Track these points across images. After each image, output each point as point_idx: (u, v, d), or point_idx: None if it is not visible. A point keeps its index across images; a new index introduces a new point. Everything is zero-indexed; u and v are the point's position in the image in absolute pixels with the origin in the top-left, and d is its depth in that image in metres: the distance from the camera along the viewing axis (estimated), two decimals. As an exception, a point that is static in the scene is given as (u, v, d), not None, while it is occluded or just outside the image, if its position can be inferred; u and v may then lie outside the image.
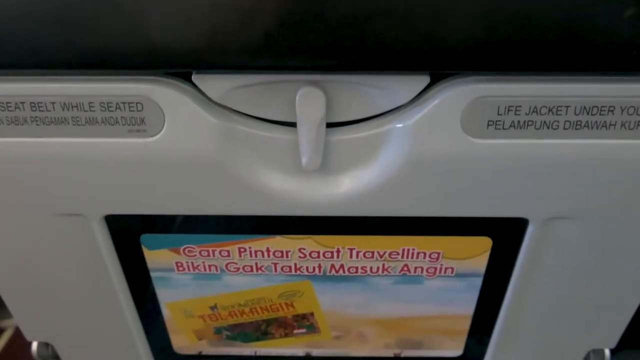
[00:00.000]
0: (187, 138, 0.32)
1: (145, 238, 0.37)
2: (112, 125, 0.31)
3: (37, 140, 0.32)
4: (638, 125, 0.31)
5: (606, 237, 0.36)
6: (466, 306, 0.42)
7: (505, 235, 0.36)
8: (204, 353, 0.47)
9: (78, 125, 0.31)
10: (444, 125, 0.31)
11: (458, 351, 0.46)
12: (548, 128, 0.31)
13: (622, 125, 0.31)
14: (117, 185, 0.34)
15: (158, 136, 0.31)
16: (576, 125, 0.31)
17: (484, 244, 0.37)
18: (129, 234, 0.37)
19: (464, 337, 0.45)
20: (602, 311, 0.42)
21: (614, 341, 0.44)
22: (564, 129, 0.31)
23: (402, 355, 0.46)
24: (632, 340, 0.53)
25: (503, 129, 0.31)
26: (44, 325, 0.45)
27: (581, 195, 0.34)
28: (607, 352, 0.45)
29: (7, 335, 1.51)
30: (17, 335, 1.51)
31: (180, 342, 0.46)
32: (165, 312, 0.44)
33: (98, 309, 0.43)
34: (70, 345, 0.46)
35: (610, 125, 0.31)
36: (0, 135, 0.32)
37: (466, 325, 0.44)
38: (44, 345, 0.47)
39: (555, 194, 0.33)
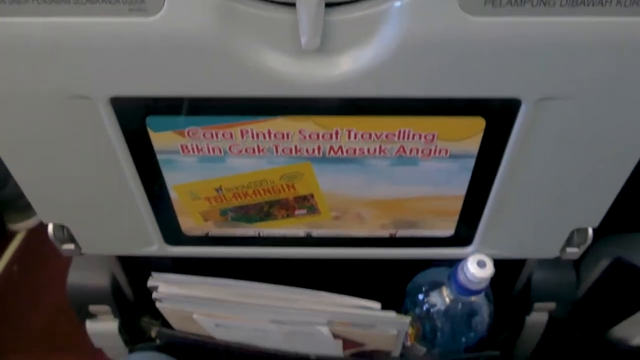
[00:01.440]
0: (187, 17, 0.32)
1: (150, 120, 0.39)
2: (112, 4, 0.32)
3: (39, 20, 0.32)
4: (633, 2, 0.31)
5: (595, 118, 0.37)
6: (458, 187, 0.44)
7: (499, 115, 0.38)
8: (210, 234, 0.50)
9: (79, 3, 0.32)
10: (442, 3, 0.31)
11: (449, 231, 0.49)
12: (545, 5, 0.31)
13: (618, 2, 0.31)
14: (120, 66, 0.34)
15: (158, 15, 0.32)
16: (572, 2, 0.31)
17: (478, 124, 0.38)
18: (135, 115, 0.38)
19: (455, 218, 0.48)
20: (587, 191, 0.44)
21: (597, 220, 0.46)
22: (560, 6, 0.31)
23: (397, 235, 0.49)
24: (620, 224, 0.56)
25: (500, 6, 0.31)
26: (58, 207, 0.47)
27: (574, 75, 0.34)
28: (590, 231, 0.48)
29: (19, 237, 1.58)
30: (30, 238, 1.57)
31: (188, 223, 0.49)
32: (173, 195, 0.46)
33: (108, 192, 0.45)
34: (84, 227, 0.49)
35: (605, 2, 0.31)
36: (1, 14, 0.32)
37: (458, 206, 0.46)
38: (59, 227, 0.49)
39: (548, 74, 0.34)
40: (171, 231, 0.50)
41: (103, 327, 0.64)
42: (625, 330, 0.64)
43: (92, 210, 0.47)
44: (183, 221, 0.49)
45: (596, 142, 0.39)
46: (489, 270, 0.48)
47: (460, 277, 0.49)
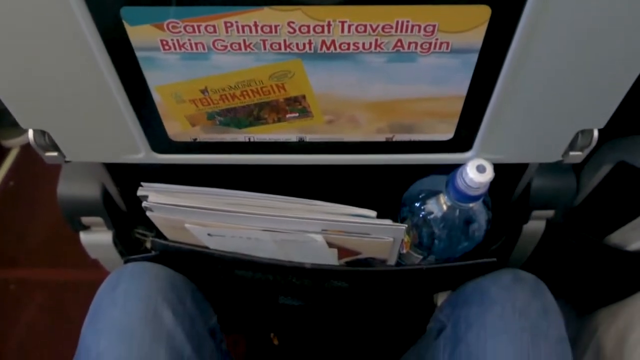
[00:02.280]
0: None
1: (126, 11, 0.35)
2: None
3: None
4: None
5: (607, 8, 0.34)
6: (459, 86, 0.41)
7: (505, 3, 0.34)
8: (198, 140, 0.48)
9: None
10: None
11: (449, 135, 0.47)
12: None
13: None
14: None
15: None
16: None
17: (483, 13, 0.35)
18: (109, 6, 0.35)
19: (455, 121, 0.45)
20: (594, 89, 0.41)
21: (603, 121, 0.44)
22: None
23: (394, 139, 0.47)
24: (624, 127, 0.54)
25: None
26: (36, 111, 0.44)
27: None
28: (595, 132, 0.46)
29: (13, 154, 1.56)
30: (24, 154, 1.55)
31: (175, 128, 0.47)
32: (156, 97, 0.43)
33: (88, 94, 0.42)
34: (65, 133, 0.47)
35: None
36: None
37: (458, 107, 0.44)
38: (39, 133, 0.47)
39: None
40: (157, 137, 0.48)
41: (97, 238, 0.63)
42: (622, 236, 0.63)
43: (72, 114, 0.45)
44: (169, 126, 0.47)
45: (607, 36, 0.36)
46: (488, 175, 0.46)
47: (459, 182, 0.48)
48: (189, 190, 0.51)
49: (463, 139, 0.47)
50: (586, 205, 0.63)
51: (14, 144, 1.57)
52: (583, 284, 0.74)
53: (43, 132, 0.47)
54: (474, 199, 0.49)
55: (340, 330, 0.82)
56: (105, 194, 0.58)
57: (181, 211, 0.50)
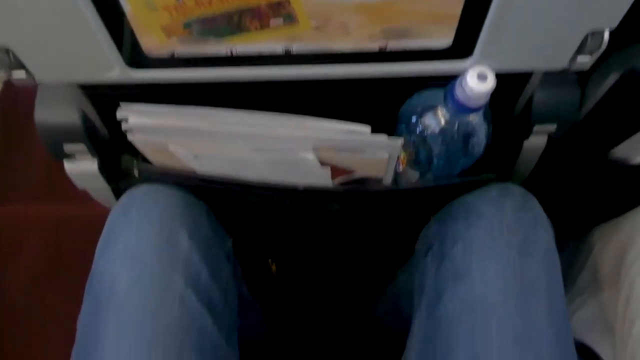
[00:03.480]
0: None
1: None
2: None
3: None
4: None
5: None
6: (460, -18, 0.38)
7: None
8: (176, 54, 0.44)
9: None
10: None
11: (447, 40, 0.43)
12: None
13: None
14: None
15: None
16: None
17: None
18: None
19: (454, 24, 0.42)
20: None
21: (615, 19, 0.41)
22: None
23: (388, 48, 0.43)
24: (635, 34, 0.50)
25: None
26: (-5, 25, 0.41)
27: None
28: (606, 34, 0.42)
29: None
30: (8, 90, 1.50)
31: (150, 41, 0.43)
32: (127, 7, 0.39)
33: (49, 2, 0.38)
34: (29, 49, 0.43)
35: None
36: None
37: (458, 8, 0.40)
38: (3, 51, 0.43)
39: None
40: (132, 52, 0.44)
41: (82, 166, 0.61)
42: (626, 150, 0.61)
43: (34, 27, 0.41)
44: (143, 39, 0.43)
45: None
46: (489, 84, 0.43)
47: (458, 92, 0.45)
48: (171, 110, 0.48)
49: (463, 44, 0.44)
50: (590, 118, 0.60)
51: (-2, 77, 1.51)
52: (584, 201, 0.72)
53: (6, 50, 0.43)
54: (474, 110, 0.46)
55: (337, 254, 0.81)
56: (86, 119, 0.55)
57: (164, 132, 0.47)
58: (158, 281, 0.49)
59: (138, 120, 0.48)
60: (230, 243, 0.63)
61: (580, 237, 0.71)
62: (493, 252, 0.50)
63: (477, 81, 0.43)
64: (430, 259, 0.57)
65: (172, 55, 0.44)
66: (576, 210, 0.74)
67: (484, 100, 0.45)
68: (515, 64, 0.45)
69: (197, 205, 0.57)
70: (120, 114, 0.48)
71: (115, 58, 0.44)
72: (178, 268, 0.50)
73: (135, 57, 0.44)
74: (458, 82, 0.45)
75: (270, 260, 1.01)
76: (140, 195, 0.54)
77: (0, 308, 1.15)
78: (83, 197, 0.68)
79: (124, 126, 0.48)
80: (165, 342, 0.47)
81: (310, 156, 0.47)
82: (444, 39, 0.43)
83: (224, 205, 0.61)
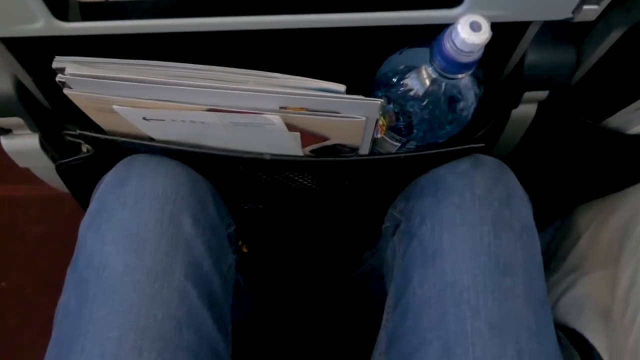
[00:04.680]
0: None
1: None
2: None
3: None
4: None
5: None
6: None
7: None
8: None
9: None
10: None
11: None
12: None
13: None
14: None
15: None
16: None
17: None
18: None
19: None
20: None
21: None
22: None
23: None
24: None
25: None
26: None
27: None
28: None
29: None
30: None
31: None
32: None
33: None
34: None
35: None
36: None
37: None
38: None
39: None
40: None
41: (21, 143, 0.53)
42: (622, 118, 0.56)
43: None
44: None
45: None
46: (484, 35, 0.37)
47: (447, 46, 0.39)
48: (115, 61, 0.41)
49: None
50: (583, 84, 0.55)
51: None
52: (574, 175, 0.68)
53: None
54: (465, 67, 0.40)
55: (309, 232, 0.75)
56: (20, 87, 0.48)
57: (105, 85, 0.40)
58: (156, 270, 0.43)
59: (76, 70, 0.40)
60: (233, 228, 0.57)
61: (568, 214, 0.67)
62: (464, 230, 0.45)
63: (469, 31, 0.37)
64: (398, 240, 0.52)
65: (106, 1, 0.37)
66: (566, 185, 0.69)
67: (476, 56, 0.39)
68: (512, 13, 0.40)
69: (202, 183, 0.50)
70: (56, 63, 0.41)
71: (39, 6, 0.36)
72: (179, 256, 0.44)
73: (63, 4, 0.37)
74: (447, 34, 0.39)
75: (240, 242, 0.96)
76: (139, 167, 0.47)
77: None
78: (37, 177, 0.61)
79: (58, 77, 0.41)
80: (159, 338, 0.41)
81: (277, 119, 0.41)
82: (432, -19, 0.37)
83: (223, 182, 0.54)
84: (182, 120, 0.43)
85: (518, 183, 0.50)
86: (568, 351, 0.54)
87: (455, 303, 0.43)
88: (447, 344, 0.42)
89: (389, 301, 0.51)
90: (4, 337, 1.00)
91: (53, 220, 1.11)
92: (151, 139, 0.48)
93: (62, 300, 0.45)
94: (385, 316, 0.51)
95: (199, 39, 0.41)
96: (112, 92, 0.41)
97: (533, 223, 0.48)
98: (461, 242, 0.45)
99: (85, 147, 0.58)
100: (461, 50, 0.38)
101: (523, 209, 0.48)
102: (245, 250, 0.96)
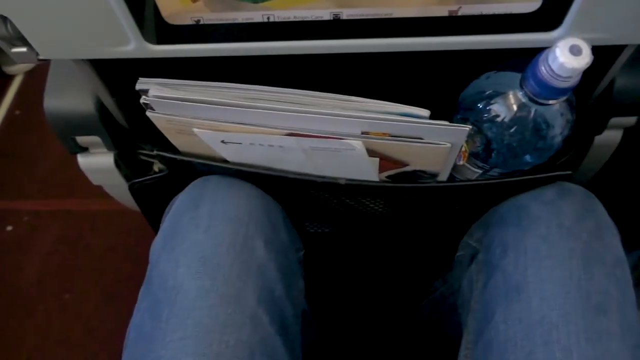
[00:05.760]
0: None
1: None
2: None
3: None
4: None
5: None
6: None
7: None
8: (202, 22, 0.37)
9: None
10: None
11: (534, 4, 0.35)
12: None
13: None
14: None
15: None
16: None
17: None
18: None
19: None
20: None
21: None
22: None
23: (460, 12, 0.36)
24: None
25: None
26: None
27: None
28: None
29: (18, 81, 1.46)
30: (29, 80, 1.46)
31: (170, 6, 0.36)
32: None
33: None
34: (29, 16, 0.36)
35: None
36: None
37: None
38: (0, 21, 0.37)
39: None
40: (149, 20, 0.37)
41: (97, 161, 0.55)
42: None
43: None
44: (163, 3, 0.36)
45: None
46: (585, 59, 0.35)
47: (542, 70, 0.37)
48: (198, 83, 0.41)
49: (552, 10, 0.35)
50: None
51: (18, 71, 1.48)
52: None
53: (4, 19, 0.36)
54: (560, 93, 0.38)
55: (377, 259, 0.73)
56: (101, 107, 0.49)
57: (188, 108, 0.40)
58: (229, 295, 0.42)
59: (159, 92, 0.41)
60: (302, 252, 0.55)
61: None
62: (552, 262, 0.42)
63: (569, 55, 0.35)
64: (476, 270, 0.49)
65: (197, 22, 0.37)
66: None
67: (574, 81, 0.37)
68: (613, 36, 0.37)
69: (275, 207, 0.50)
70: (140, 85, 0.41)
71: (131, 29, 0.37)
72: (251, 281, 0.43)
73: (153, 26, 0.37)
74: (542, 57, 0.37)
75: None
76: (212, 189, 0.47)
77: (15, 306, 1.10)
78: (102, 192, 0.62)
79: (142, 99, 0.41)
80: None
81: (358, 144, 0.40)
82: (530, 3, 0.35)
83: (294, 206, 0.54)
84: (261, 144, 0.42)
85: (607, 214, 0.47)
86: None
87: (543, 342, 0.40)
88: None
89: (468, 336, 0.48)
90: (66, 348, 1.02)
91: (117, 234, 1.14)
92: (225, 161, 0.48)
93: (135, 320, 0.45)
94: (464, 352, 0.49)
95: (281, 60, 0.41)
96: (193, 114, 0.41)
97: (625, 258, 0.45)
98: (549, 276, 0.42)
99: (157, 167, 0.58)
100: (558, 76, 0.36)
101: (614, 242, 0.45)
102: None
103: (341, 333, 0.86)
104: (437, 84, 0.46)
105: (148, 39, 0.38)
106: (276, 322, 0.44)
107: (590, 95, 0.50)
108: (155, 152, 0.50)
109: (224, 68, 0.43)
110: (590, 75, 0.48)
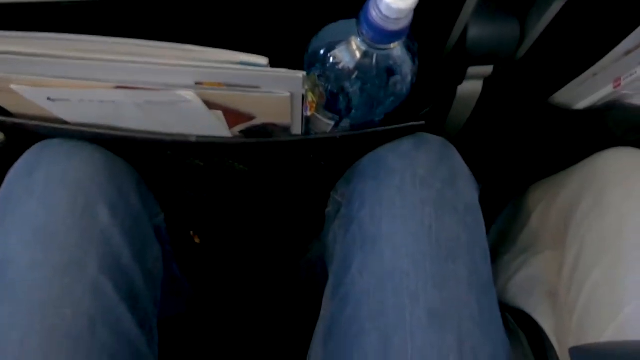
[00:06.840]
0: None
1: None
2: None
3: None
4: None
5: None
6: None
7: None
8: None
9: None
10: None
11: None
12: None
13: None
14: None
15: None
16: None
17: None
18: None
19: None
20: None
21: None
22: None
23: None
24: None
25: None
26: None
27: None
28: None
29: None
30: None
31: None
32: None
33: None
34: None
35: None
36: None
37: None
38: None
39: None
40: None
41: None
42: (569, 93, 0.54)
43: None
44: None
45: None
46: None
47: (373, 14, 0.36)
48: (13, 34, 0.37)
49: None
50: (528, 59, 0.53)
51: None
52: (523, 153, 0.66)
53: None
54: (394, 36, 0.38)
55: (255, 220, 0.72)
56: None
57: (6, 61, 0.36)
58: (66, 264, 0.39)
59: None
60: (162, 217, 0.53)
61: (521, 194, 0.65)
62: (404, 212, 0.43)
63: (394, -4, 0.34)
64: (338, 224, 0.50)
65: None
66: (515, 164, 0.68)
67: (405, 23, 0.36)
68: (441, -23, 0.37)
69: (124, 170, 0.47)
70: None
71: None
72: (93, 248, 0.41)
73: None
74: (372, 1, 0.36)
75: (191, 232, 0.92)
76: (50, 152, 0.43)
77: None
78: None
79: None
80: (68, 338, 0.37)
81: (191, 95, 0.37)
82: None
83: (151, 168, 0.51)
84: (91, 101, 0.39)
85: (463, 162, 0.48)
86: (516, 336, 0.52)
87: (394, 291, 0.41)
88: (386, 334, 0.40)
89: (327, 290, 0.48)
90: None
91: None
92: (65, 123, 0.45)
93: None
94: (323, 306, 0.48)
95: (112, 7, 0.37)
96: (9, 69, 0.37)
97: (478, 204, 0.46)
98: (401, 226, 0.43)
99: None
100: (387, 17, 0.35)
101: (467, 189, 0.46)
102: (197, 241, 0.93)
103: (220, 299, 0.85)
104: (282, 38, 0.44)
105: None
106: (122, 290, 0.42)
107: (445, 45, 0.51)
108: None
109: (46, 19, 0.40)
110: (441, 24, 0.48)
